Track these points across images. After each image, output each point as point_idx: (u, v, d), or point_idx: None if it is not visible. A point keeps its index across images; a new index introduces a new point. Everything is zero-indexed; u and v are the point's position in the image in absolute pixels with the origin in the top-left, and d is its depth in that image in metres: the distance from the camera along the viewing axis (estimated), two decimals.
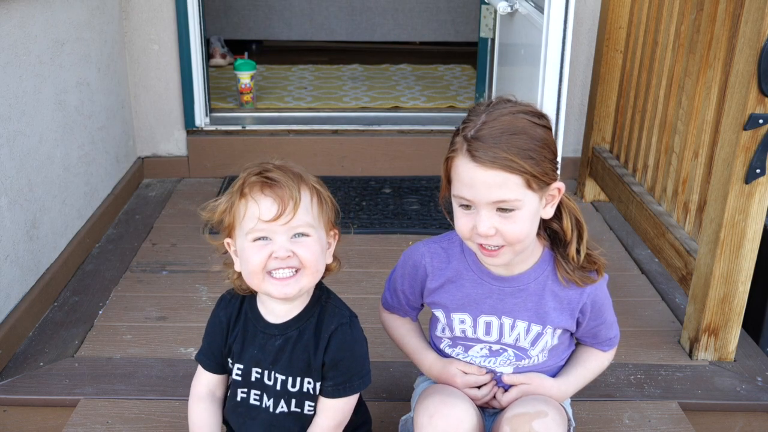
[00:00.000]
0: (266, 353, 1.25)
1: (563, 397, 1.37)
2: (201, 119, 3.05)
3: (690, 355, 1.88)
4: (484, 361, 1.35)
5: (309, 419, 1.27)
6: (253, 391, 1.27)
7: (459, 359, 1.37)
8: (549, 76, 2.23)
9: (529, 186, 1.17)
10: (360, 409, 1.36)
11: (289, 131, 3.12)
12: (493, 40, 3.07)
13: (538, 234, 1.28)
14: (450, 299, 1.33)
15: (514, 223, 1.18)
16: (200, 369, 1.33)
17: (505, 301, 1.30)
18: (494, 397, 1.37)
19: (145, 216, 2.64)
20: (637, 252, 2.44)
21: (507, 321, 1.31)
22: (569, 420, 1.37)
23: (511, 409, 1.30)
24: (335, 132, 3.11)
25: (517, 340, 1.32)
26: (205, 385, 1.32)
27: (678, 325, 2.02)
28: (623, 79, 2.66)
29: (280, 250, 1.15)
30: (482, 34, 3.27)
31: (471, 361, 1.36)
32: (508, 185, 1.16)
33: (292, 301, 1.23)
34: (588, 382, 1.41)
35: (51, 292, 2.05)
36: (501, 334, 1.32)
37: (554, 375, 1.39)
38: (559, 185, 1.23)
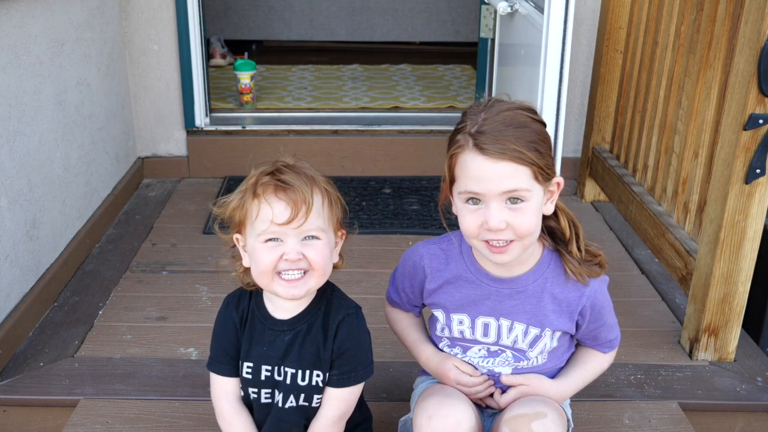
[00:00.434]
0: (276, 349, 1.26)
1: (562, 398, 1.37)
2: (201, 119, 3.05)
3: (690, 355, 1.88)
4: (482, 362, 1.36)
5: (315, 412, 1.28)
6: (263, 390, 1.28)
7: (457, 357, 1.37)
8: (549, 76, 2.23)
9: (536, 178, 1.19)
10: (361, 407, 1.37)
11: (289, 131, 3.12)
12: (493, 40, 3.07)
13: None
14: (449, 300, 1.33)
15: (524, 214, 1.19)
16: (217, 378, 1.31)
17: (503, 302, 1.30)
18: (492, 396, 1.37)
19: (145, 216, 2.64)
20: (637, 252, 2.44)
21: (505, 323, 1.31)
22: (568, 421, 1.37)
23: (510, 410, 1.30)
24: (335, 132, 3.11)
25: (515, 341, 1.32)
26: (231, 392, 1.31)
27: (678, 325, 2.02)
28: (623, 79, 2.66)
29: (291, 253, 1.17)
30: (482, 35, 3.27)
31: (470, 362, 1.36)
32: (518, 175, 1.17)
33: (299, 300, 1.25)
34: (587, 383, 1.41)
35: (51, 292, 2.05)
36: (499, 336, 1.32)
37: (553, 376, 1.39)
38: (558, 180, 1.25)
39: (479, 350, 1.35)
